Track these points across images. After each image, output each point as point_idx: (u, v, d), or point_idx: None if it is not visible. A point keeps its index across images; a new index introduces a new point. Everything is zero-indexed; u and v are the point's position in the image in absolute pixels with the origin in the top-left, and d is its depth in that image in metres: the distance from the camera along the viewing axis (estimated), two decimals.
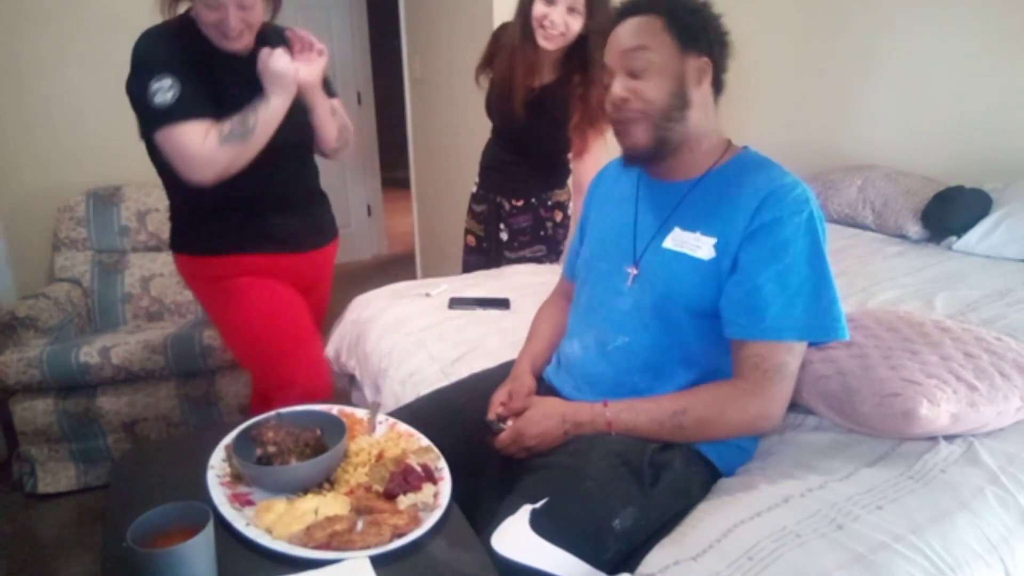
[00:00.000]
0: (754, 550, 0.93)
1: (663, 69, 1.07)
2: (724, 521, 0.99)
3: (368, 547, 0.87)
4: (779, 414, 1.07)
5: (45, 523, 2.07)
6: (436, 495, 0.98)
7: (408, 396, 1.49)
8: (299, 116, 1.59)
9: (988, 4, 2.35)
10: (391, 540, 0.89)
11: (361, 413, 1.18)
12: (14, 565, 1.90)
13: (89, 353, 2.15)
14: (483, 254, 2.27)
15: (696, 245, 1.09)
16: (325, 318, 1.94)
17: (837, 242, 2.36)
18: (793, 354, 1.05)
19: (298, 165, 1.69)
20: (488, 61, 2.05)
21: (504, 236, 2.19)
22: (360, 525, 0.92)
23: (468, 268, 2.30)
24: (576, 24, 1.76)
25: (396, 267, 4.40)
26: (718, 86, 1.13)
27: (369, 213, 4.78)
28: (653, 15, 1.07)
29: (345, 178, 4.56)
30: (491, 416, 1.18)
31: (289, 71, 1.46)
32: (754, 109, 3.22)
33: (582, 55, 1.83)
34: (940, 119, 2.54)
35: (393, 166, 5.41)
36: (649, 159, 1.14)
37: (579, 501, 0.99)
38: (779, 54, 3.06)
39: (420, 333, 1.72)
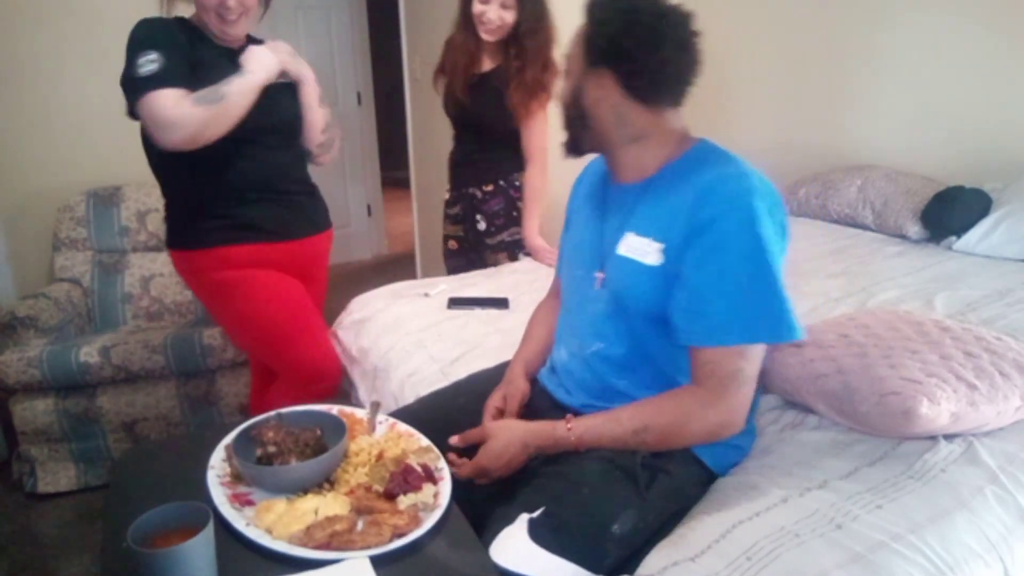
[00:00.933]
0: (753, 550, 0.93)
1: (570, 79, 1.12)
2: (723, 521, 0.99)
3: (368, 547, 0.87)
4: (741, 420, 1.04)
5: (45, 523, 2.07)
6: (436, 495, 0.98)
7: (407, 396, 1.49)
8: (285, 103, 1.67)
9: (988, 3, 2.35)
10: (391, 540, 0.89)
11: (361, 413, 1.18)
12: (14, 565, 1.90)
13: (89, 353, 2.15)
14: (464, 255, 2.37)
15: (646, 251, 1.06)
16: (323, 315, 1.95)
17: (837, 242, 2.36)
18: (747, 358, 1.01)
19: (283, 154, 1.71)
20: (443, 66, 2.21)
21: (482, 225, 2.26)
22: (360, 525, 0.92)
23: (452, 271, 2.39)
24: (510, 16, 1.97)
25: (396, 267, 4.40)
26: (640, 93, 1.06)
27: (369, 213, 4.79)
28: (585, 19, 1.09)
29: (345, 178, 4.56)
30: (449, 459, 1.10)
31: (269, 53, 1.59)
32: (754, 109, 3.22)
33: (517, 40, 2.03)
34: (940, 119, 2.54)
35: (393, 166, 5.41)
36: (573, 151, 1.18)
37: (577, 509, 0.99)
38: (779, 54, 3.06)
39: (419, 333, 1.72)
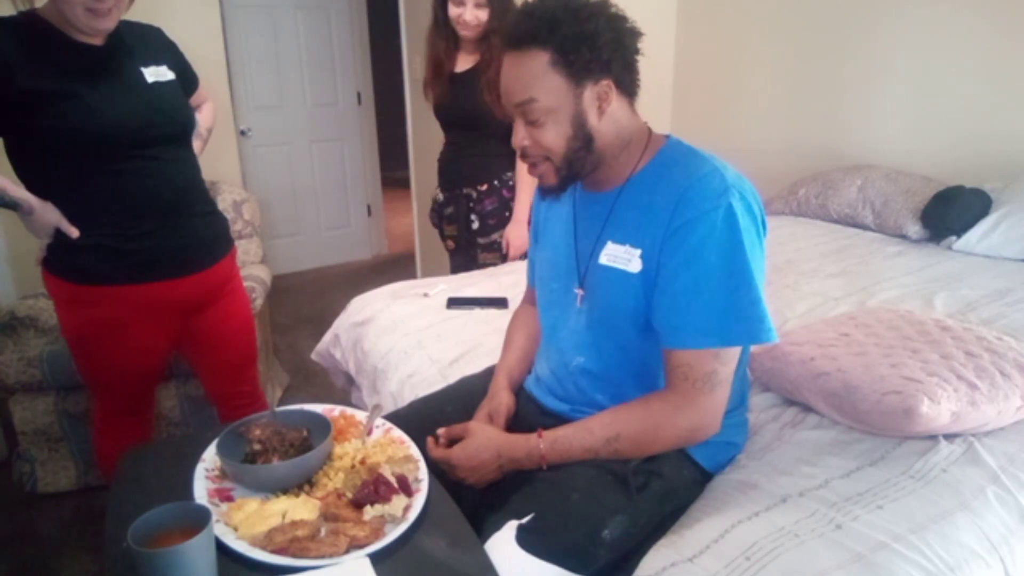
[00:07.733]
0: (752, 550, 0.93)
1: (558, 115, 1.00)
2: (721, 521, 0.99)
3: (323, 556, 0.86)
4: (715, 423, 1.03)
5: (45, 523, 2.07)
6: (407, 508, 0.95)
7: (406, 397, 1.49)
8: (171, 99, 1.47)
9: (988, 4, 2.35)
10: (347, 551, 0.87)
11: (361, 415, 1.18)
12: (14, 565, 1.90)
13: None
14: (462, 253, 2.40)
15: (627, 259, 1.05)
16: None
17: (837, 242, 2.36)
18: (721, 361, 1.00)
19: (177, 167, 1.48)
20: (428, 70, 2.27)
21: (476, 224, 2.28)
22: (323, 532, 0.90)
23: (455, 270, 2.43)
24: (484, 14, 2.04)
25: (396, 267, 4.40)
26: (630, 88, 1.04)
27: (369, 213, 4.78)
28: (537, 49, 0.98)
29: (345, 178, 4.56)
30: (431, 444, 1.12)
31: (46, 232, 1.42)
32: (754, 109, 3.22)
33: (486, 38, 2.08)
34: (940, 119, 2.54)
35: (393, 166, 5.41)
36: (562, 191, 1.10)
37: (566, 515, 0.98)
38: (779, 54, 3.06)
39: (419, 333, 1.72)
